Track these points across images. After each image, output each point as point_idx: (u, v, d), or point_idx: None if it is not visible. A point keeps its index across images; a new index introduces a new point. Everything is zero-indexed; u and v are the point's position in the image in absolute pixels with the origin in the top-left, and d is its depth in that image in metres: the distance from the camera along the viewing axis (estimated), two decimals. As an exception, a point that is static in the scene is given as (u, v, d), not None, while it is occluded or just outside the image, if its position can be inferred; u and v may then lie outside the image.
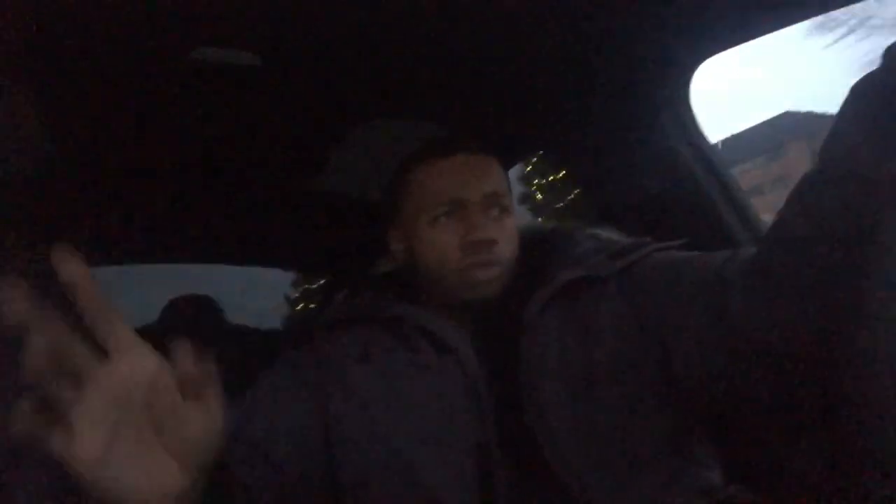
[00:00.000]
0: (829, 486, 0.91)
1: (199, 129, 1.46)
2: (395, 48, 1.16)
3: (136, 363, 0.50)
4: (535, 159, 7.54)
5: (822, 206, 0.65)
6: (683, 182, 1.25)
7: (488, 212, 0.89)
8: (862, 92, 0.62)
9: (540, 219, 8.07)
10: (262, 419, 0.83)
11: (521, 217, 0.97)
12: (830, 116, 0.67)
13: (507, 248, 0.89)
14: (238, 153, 1.60)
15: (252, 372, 0.92)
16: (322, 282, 3.52)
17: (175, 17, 1.02)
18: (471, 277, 0.87)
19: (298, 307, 6.41)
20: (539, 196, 8.97)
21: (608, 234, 0.98)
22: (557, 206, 8.51)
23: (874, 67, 0.61)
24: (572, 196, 7.79)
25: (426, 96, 1.36)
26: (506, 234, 0.89)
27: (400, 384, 0.84)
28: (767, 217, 0.96)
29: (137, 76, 1.20)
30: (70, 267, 0.47)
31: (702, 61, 1.18)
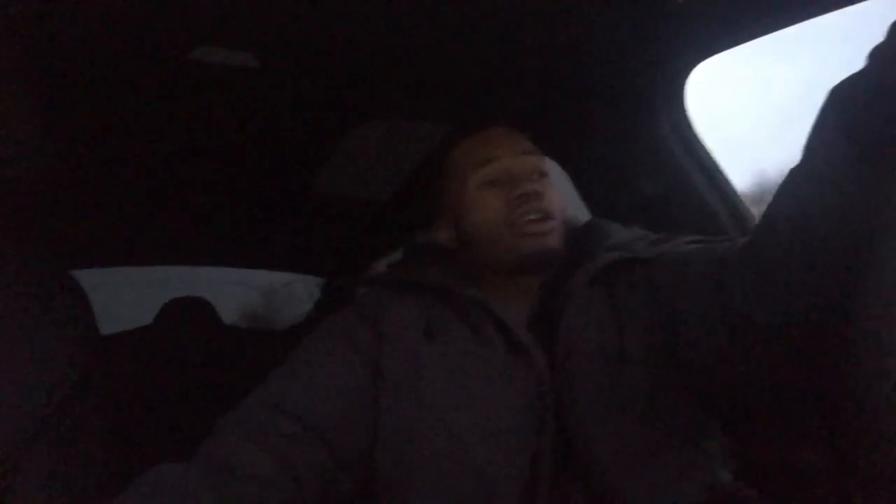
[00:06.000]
0: (835, 486, 0.91)
1: (199, 130, 1.46)
2: (393, 49, 1.16)
3: None
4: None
5: (806, 195, 0.67)
6: (679, 183, 1.25)
7: (530, 175, 0.93)
8: (843, 93, 0.63)
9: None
10: (307, 387, 0.83)
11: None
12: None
13: (553, 203, 0.92)
14: (238, 153, 1.60)
15: (248, 372, 0.92)
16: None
17: (175, 17, 1.03)
18: (527, 228, 0.89)
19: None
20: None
21: (641, 229, 1.00)
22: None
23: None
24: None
25: (425, 97, 1.37)
26: (549, 191, 0.92)
27: (467, 371, 0.85)
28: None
29: (137, 76, 1.20)
30: None
31: (698, 63, 1.19)
